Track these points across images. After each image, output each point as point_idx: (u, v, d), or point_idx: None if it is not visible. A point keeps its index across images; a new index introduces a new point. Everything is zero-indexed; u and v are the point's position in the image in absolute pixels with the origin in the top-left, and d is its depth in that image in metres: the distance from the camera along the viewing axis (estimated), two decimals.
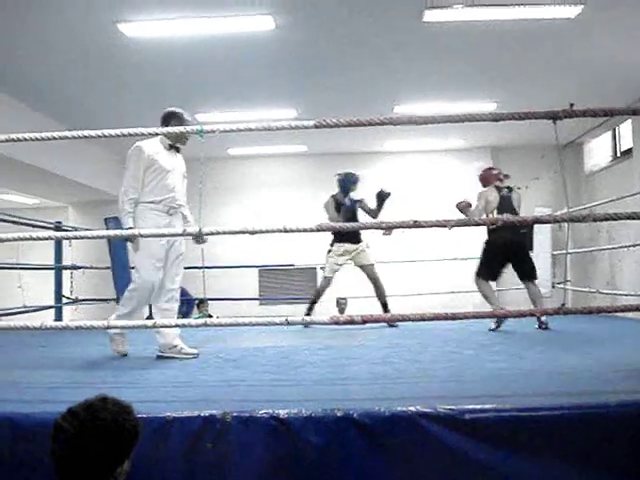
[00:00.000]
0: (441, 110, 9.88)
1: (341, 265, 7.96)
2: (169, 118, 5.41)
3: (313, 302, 8.04)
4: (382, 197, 7.67)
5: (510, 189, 7.12)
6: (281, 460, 2.85)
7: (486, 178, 7.23)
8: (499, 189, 7.02)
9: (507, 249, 6.84)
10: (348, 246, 7.85)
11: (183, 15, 6.69)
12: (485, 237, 7.08)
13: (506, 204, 6.91)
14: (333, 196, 8.02)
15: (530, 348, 5.31)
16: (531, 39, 7.55)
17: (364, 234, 7.91)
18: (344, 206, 7.71)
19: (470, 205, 7.05)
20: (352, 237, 7.81)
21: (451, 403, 2.93)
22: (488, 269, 6.99)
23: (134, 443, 2.09)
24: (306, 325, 7.22)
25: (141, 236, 4.72)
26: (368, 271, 7.89)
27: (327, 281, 8.04)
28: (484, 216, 6.93)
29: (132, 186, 5.14)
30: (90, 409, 2.04)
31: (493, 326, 6.79)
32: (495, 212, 6.88)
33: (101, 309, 10.68)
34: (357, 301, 10.26)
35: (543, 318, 6.51)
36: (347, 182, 7.91)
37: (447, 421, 2.84)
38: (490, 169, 7.43)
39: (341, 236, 7.80)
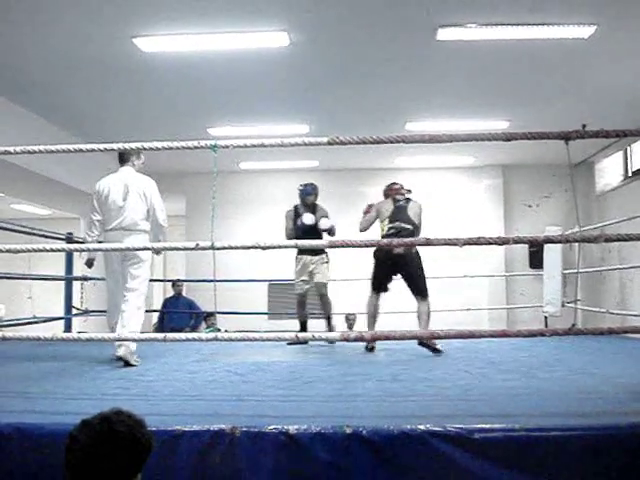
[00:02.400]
0: (453, 128, 9.90)
1: (307, 281, 7.81)
2: (131, 153, 6.00)
3: (303, 322, 7.93)
4: (325, 231, 7.63)
5: (408, 200, 7.11)
6: (289, 476, 2.85)
7: (386, 192, 7.30)
8: (396, 200, 7.04)
9: (395, 262, 6.77)
10: (307, 258, 7.72)
11: (199, 31, 6.73)
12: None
13: (400, 213, 6.90)
14: (295, 206, 7.95)
15: (539, 367, 5.30)
16: (544, 59, 7.56)
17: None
18: (298, 224, 7.61)
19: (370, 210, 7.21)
20: (312, 249, 7.62)
21: (460, 422, 2.93)
22: (378, 282, 6.99)
23: (147, 456, 2.10)
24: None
25: (164, 249, 4.75)
26: (318, 287, 7.74)
27: (299, 297, 7.91)
28: (375, 225, 7.10)
29: None
30: (106, 422, 2.05)
31: (369, 346, 6.71)
32: (387, 222, 6.88)
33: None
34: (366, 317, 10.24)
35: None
36: (303, 193, 7.88)
37: (456, 440, 2.84)
38: (393, 184, 7.40)
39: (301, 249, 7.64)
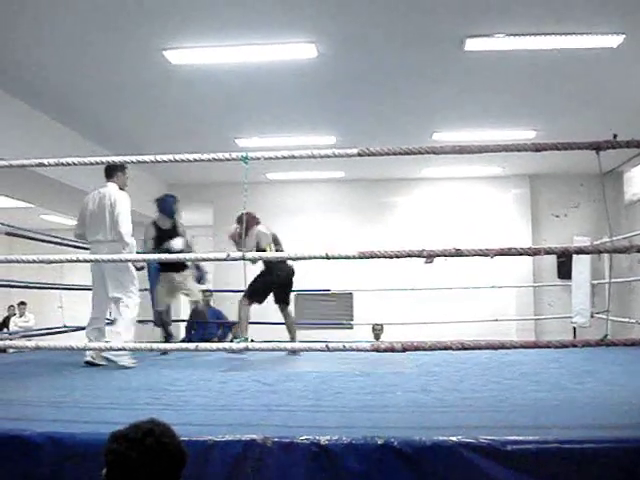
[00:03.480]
0: (480, 138, 9.86)
1: (171, 296, 7.83)
2: (116, 169, 6.34)
3: (167, 334, 7.94)
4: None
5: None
6: None
7: (251, 221, 7.43)
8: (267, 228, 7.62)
9: (286, 281, 7.45)
10: (173, 275, 7.64)
11: (228, 43, 6.78)
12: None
13: (277, 238, 7.54)
14: (154, 222, 7.70)
15: (569, 379, 5.25)
16: (572, 68, 7.53)
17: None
18: (169, 246, 7.34)
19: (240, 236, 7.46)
20: (178, 266, 7.58)
21: (492, 434, 2.91)
22: (262, 294, 7.39)
23: (184, 465, 2.11)
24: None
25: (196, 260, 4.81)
26: (194, 304, 7.88)
27: (157, 314, 7.87)
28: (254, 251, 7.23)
29: None
30: (151, 435, 2.04)
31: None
32: (272, 245, 7.32)
33: (139, 330, 10.74)
34: (394, 327, 10.24)
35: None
36: (168, 204, 7.73)
37: (488, 452, 2.82)
38: (248, 214, 7.35)
39: (166, 266, 7.62)
